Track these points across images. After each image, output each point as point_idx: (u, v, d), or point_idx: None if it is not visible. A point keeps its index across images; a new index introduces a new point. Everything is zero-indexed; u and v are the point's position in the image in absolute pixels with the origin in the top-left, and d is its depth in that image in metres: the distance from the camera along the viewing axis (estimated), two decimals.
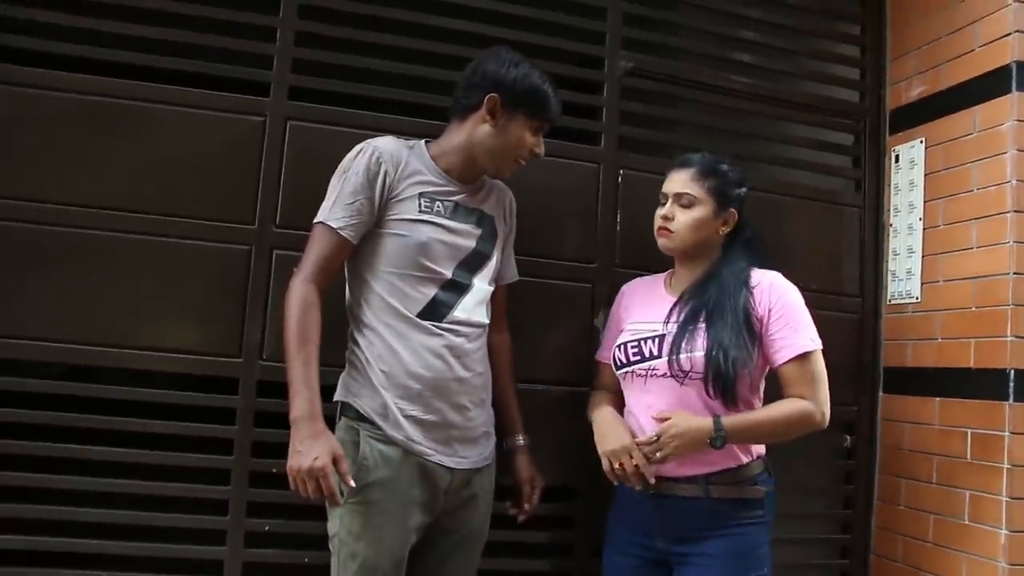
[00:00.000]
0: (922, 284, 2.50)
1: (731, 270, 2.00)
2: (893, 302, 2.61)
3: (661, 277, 2.13)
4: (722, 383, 1.87)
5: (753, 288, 1.97)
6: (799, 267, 2.56)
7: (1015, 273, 2.22)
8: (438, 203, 1.91)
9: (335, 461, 1.74)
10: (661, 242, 2.03)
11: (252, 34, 2.22)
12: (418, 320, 1.86)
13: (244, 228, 2.15)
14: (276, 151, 2.18)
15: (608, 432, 1.96)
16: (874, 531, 2.58)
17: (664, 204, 2.03)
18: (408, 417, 1.84)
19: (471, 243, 1.94)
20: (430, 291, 1.88)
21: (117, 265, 2.08)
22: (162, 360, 2.10)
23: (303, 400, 1.76)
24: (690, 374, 1.90)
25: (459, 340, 1.89)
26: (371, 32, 2.31)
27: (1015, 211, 2.24)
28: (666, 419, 1.87)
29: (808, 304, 2.47)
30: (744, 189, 2.06)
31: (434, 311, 1.88)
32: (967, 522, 2.26)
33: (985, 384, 2.26)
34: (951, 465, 2.33)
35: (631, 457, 1.87)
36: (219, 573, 2.09)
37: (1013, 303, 2.21)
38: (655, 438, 1.86)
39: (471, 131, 1.92)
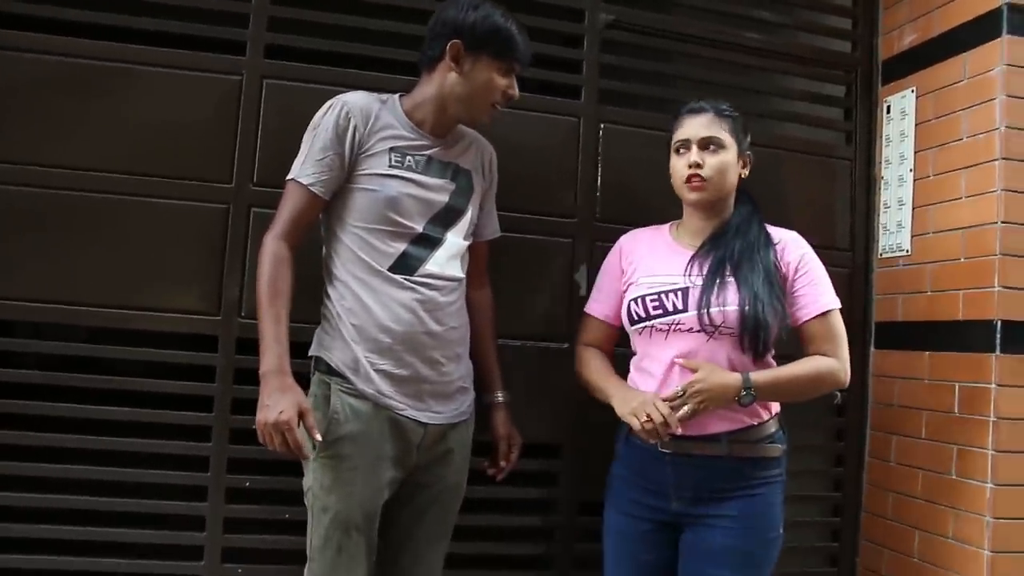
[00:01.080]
0: (912, 237, 2.46)
1: (749, 222, 1.96)
2: (884, 256, 2.56)
3: (663, 228, 2.06)
4: (759, 333, 1.83)
5: (776, 245, 1.94)
6: (790, 222, 2.51)
7: (1003, 222, 2.17)
8: (409, 157, 1.89)
9: (301, 415, 1.73)
10: (693, 196, 1.92)
11: None
12: (388, 274, 1.85)
13: (222, 187, 2.15)
14: (253, 109, 2.18)
15: (626, 394, 1.91)
16: (865, 488, 2.55)
17: (684, 152, 1.93)
18: (379, 371, 1.84)
19: (443, 198, 1.92)
20: (400, 245, 1.86)
21: (95, 226, 2.09)
22: (142, 319, 2.11)
23: (272, 355, 1.77)
24: (721, 328, 1.84)
25: (431, 294, 1.88)
26: None
27: (1004, 159, 2.18)
28: (693, 369, 1.82)
29: None
30: (749, 135, 2.01)
31: (405, 265, 1.86)
32: (954, 477, 2.23)
33: (973, 336, 2.21)
34: (940, 420, 2.30)
35: (656, 408, 1.79)
36: (201, 528, 2.12)
37: (1001, 252, 2.16)
38: (680, 392, 1.80)
39: (440, 82, 1.89)
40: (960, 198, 2.30)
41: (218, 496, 2.13)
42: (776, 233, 1.98)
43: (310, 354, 1.91)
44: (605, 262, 2.10)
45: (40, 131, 2.07)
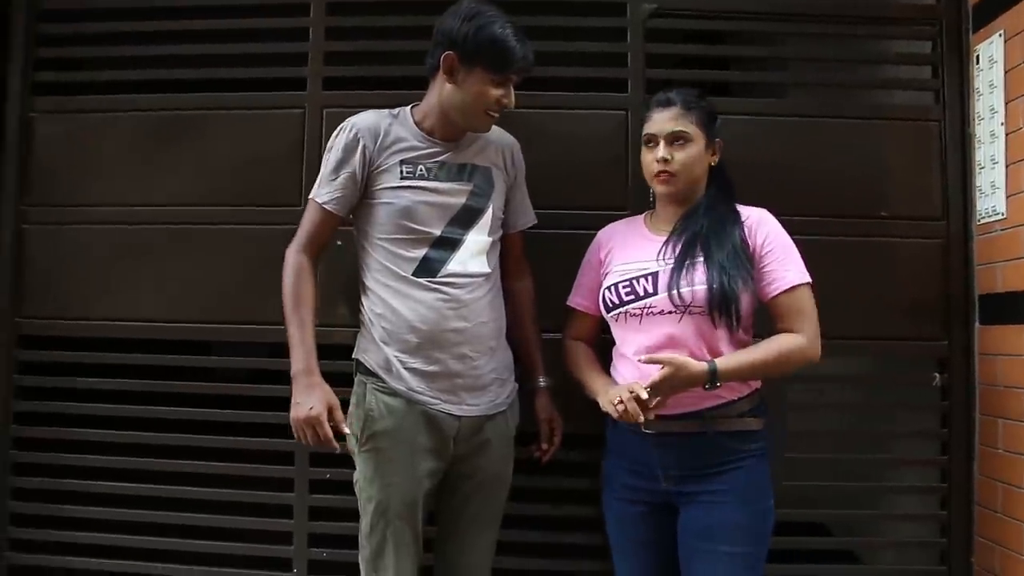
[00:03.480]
0: (1008, 197, 2.19)
1: (718, 201, 1.96)
2: (981, 221, 2.30)
3: (638, 219, 2.09)
4: (727, 307, 1.83)
5: (744, 222, 1.93)
6: (870, 194, 2.38)
7: None
8: (420, 166, 1.99)
9: (331, 410, 1.90)
10: (662, 189, 1.95)
11: (286, 36, 2.47)
12: (412, 278, 1.96)
13: (292, 210, 2.36)
14: (316, 138, 2.41)
15: (606, 387, 1.94)
16: (976, 477, 2.30)
17: (654, 147, 1.95)
18: (409, 369, 1.95)
19: (460, 199, 2.00)
20: (421, 251, 1.97)
21: (193, 253, 2.43)
22: (231, 331, 2.42)
23: (299, 357, 1.94)
24: (691, 307, 1.85)
25: (456, 292, 1.97)
26: (395, 16, 2.46)
27: None
28: (656, 361, 1.81)
29: (884, 232, 2.34)
30: (719, 120, 2.00)
31: (427, 268, 1.96)
32: None
33: None
34: None
35: (631, 392, 1.81)
36: (289, 516, 2.38)
37: None
38: (648, 389, 1.80)
39: (439, 91, 1.98)
40: None
41: (303, 487, 2.38)
42: (744, 211, 1.96)
43: (352, 357, 2.06)
44: (585, 255, 2.12)
45: (144, 176, 2.45)
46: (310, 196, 2.03)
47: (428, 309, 1.95)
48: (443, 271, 1.97)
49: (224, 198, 2.43)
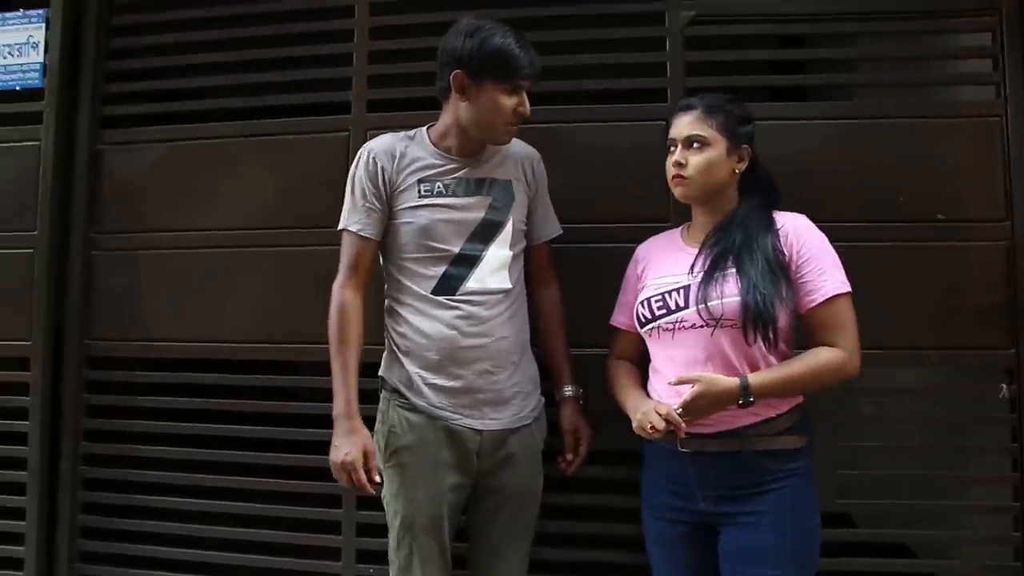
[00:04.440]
0: None
1: (752, 212, 1.90)
2: None
3: (676, 232, 2.05)
4: (763, 324, 1.77)
5: (778, 231, 1.87)
6: (930, 197, 2.27)
7: None
8: (438, 184, 2.02)
9: (365, 456, 1.94)
10: (677, 191, 1.93)
11: (331, 62, 2.55)
12: (432, 297, 1.99)
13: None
14: None
15: (637, 405, 1.90)
16: None
17: (674, 151, 1.93)
18: (430, 385, 1.99)
19: (479, 214, 2.02)
20: (440, 268, 2.00)
21: (249, 275, 2.55)
22: (286, 351, 2.52)
23: (341, 400, 1.99)
24: (722, 321, 1.80)
25: (473, 309, 1.99)
26: (435, 37, 2.49)
27: None
28: (687, 380, 1.77)
29: (944, 236, 2.22)
30: (752, 125, 1.94)
31: (446, 286, 1.99)
32: None
33: None
34: None
35: (658, 415, 1.78)
36: (338, 532, 2.43)
37: None
38: (679, 410, 1.77)
39: (454, 110, 2.01)
40: None
41: (351, 503, 2.43)
42: (780, 218, 1.89)
43: (378, 375, 2.10)
44: (625, 273, 2.09)
45: (200, 202, 2.58)
46: (341, 228, 2.07)
47: (446, 327, 1.98)
48: (462, 288, 2.00)
49: (278, 221, 2.53)
